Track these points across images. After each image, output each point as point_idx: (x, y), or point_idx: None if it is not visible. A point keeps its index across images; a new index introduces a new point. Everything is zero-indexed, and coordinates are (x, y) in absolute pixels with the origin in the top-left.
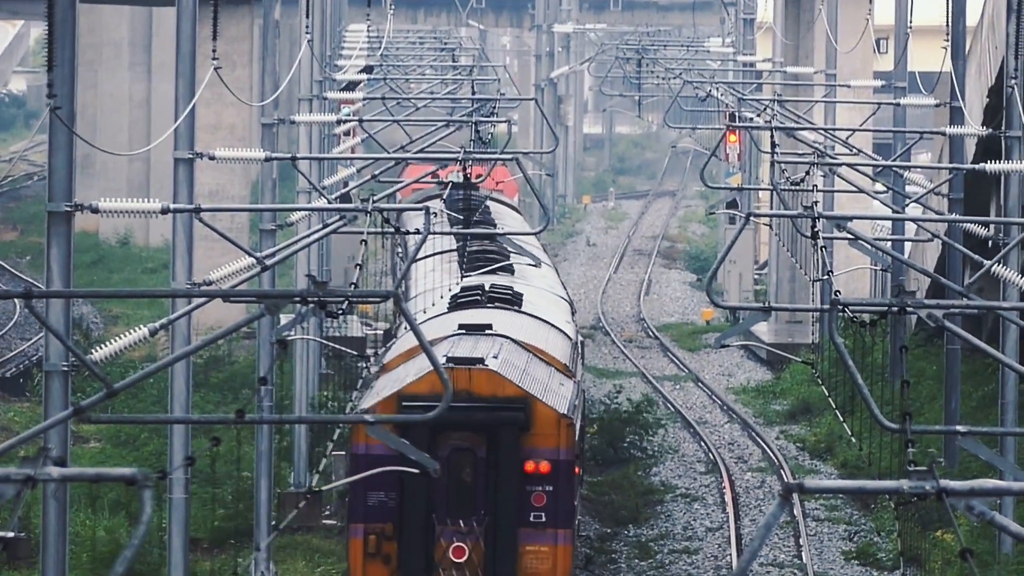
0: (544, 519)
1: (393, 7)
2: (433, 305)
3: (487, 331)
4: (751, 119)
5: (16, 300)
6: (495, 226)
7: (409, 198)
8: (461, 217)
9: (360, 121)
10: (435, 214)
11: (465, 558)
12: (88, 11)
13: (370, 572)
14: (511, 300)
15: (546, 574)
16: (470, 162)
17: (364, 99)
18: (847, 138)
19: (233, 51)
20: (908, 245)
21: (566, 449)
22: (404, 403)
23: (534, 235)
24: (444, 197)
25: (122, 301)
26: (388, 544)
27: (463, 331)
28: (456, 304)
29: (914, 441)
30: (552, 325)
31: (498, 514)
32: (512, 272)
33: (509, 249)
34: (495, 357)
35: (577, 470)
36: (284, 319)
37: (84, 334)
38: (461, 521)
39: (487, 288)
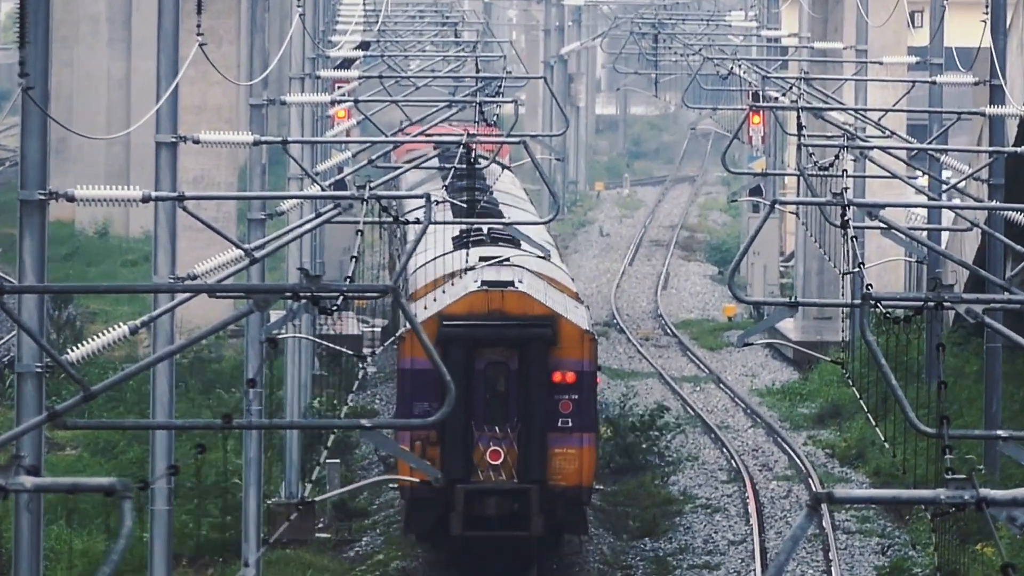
0: (571, 424)
1: None
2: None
3: (506, 261)
4: (776, 99)
5: None
6: (498, 208)
7: (403, 159)
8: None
9: (355, 102)
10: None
11: (500, 460)
12: None
13: (416, 474)
14: (512, 240)
15: (573, 474)
16: (474, 145)
17: (360, 78)
18: (879, 119)
19: (219, 26)
20: (945, 235)
21: (589, 361)
22: (444, 323)
23: (543, 224)
24: (446, 183)
25: (100, 297)
26: (432, 449)
27: (484, 262)
28: (463, 243)
29: (952, 447)
30: (554, 264)
31: (529, 420)
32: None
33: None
34: (520, 282)
35: (598, 380)
36: (274, 316)
37: (74, 332)
38: (496, 427)
39: (487, 231)
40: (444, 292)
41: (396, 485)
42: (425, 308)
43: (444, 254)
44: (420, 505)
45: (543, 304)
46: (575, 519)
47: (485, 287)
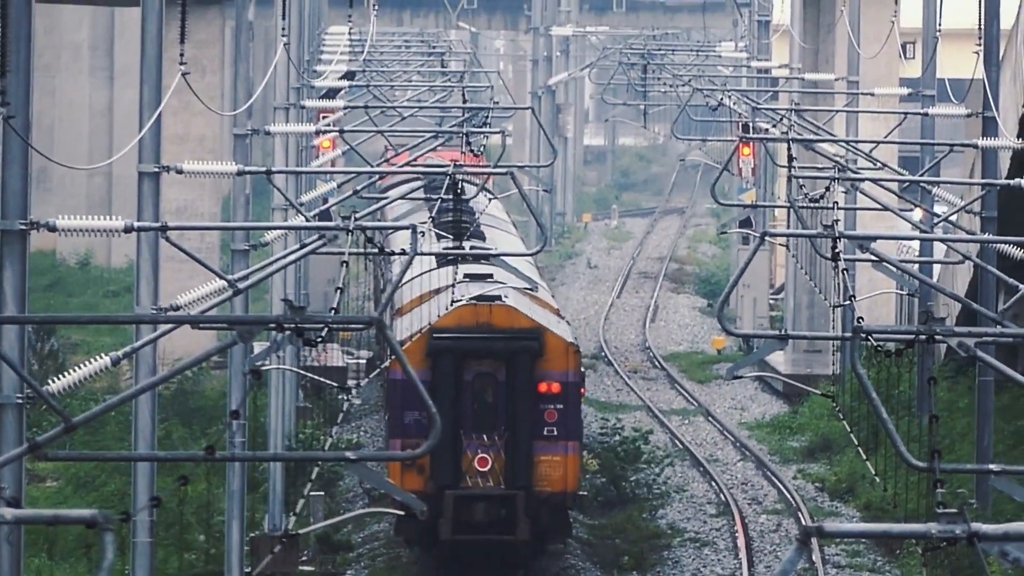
0: (556, 432)
1: (377, 8)
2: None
3: (489, 278)
4: (766, 130)
5: None
6: (484, 238)
7: (388, 184)
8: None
9: (341, 132)
10: (422, 232)
11: (488, 467)
12: (45, 11)
13: (406, 481)
14: (482, 236)
15: (558, 481)
16: (460, 177)
17: (345, 108)
18: (871, 151)
19: (203, 56)
20: (937, 268)
21: (574, 372)
22: (435, 335)
23: (530, 256)
24: (432, 214)
25: (82, 328)
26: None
27: (468, 278)
28: (445, 261)
29: (943, 481)
30: (534, 280)
31: (516, 429)
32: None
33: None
34: (507, 296)
35: (583, 391)
36: (258, 347)
37: (56, 363)
38: (484, 435)
39: (469, 248)
40: (427, 307)
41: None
42: (411, 324)
43: (431, 270)
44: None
45: (529, 318)
46: (560, 524)
47: (474, 301)
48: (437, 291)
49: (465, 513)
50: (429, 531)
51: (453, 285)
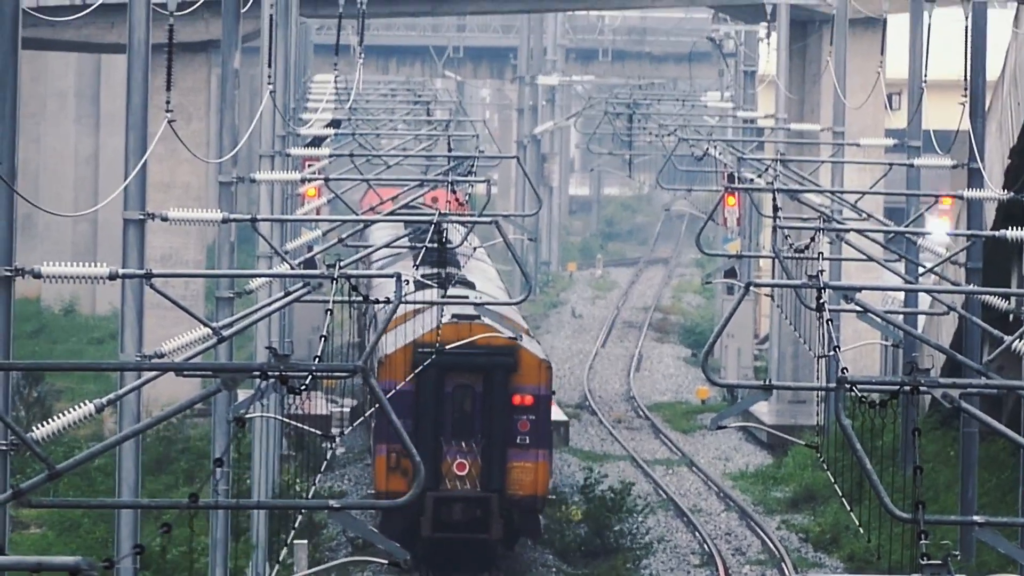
0: (528, 441)
1: (363, 56)
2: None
3: (468, 299)
4: (751, 180)
5: None
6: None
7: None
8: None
9: (326, 180)
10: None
11: (466, 472)
12: (31, 58)
13: (391, 482)
14: (468, 284)
15: (529, 485)
16: (444, 225)
17: (330, 156)
18: (856, 201)
19: (188, 103)
20: (922, 318)
21: (545, 386)
22: (418, 349)
23: (514, 305)
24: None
25: (66, 374)
26: (405, 460)
27: (449, 299)
28: (423, 285)
29: (928, 532)
30: (518, 331)
31: (492, 437)
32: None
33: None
34: (483, 317)
35: (552, 403)
36: (242, 395)
37: (44, 409)
38: (463, 442)
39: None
40: (410, 326)
41: (372, 488)
42: (396, 340)
43: (414, 291)
44: (393, 510)
45: (505, 336)
46: (530, 524)
47: (455, 319)
48: (420, 311)
49: (444, 513)
50: (411, 529)
51: (432, 304)
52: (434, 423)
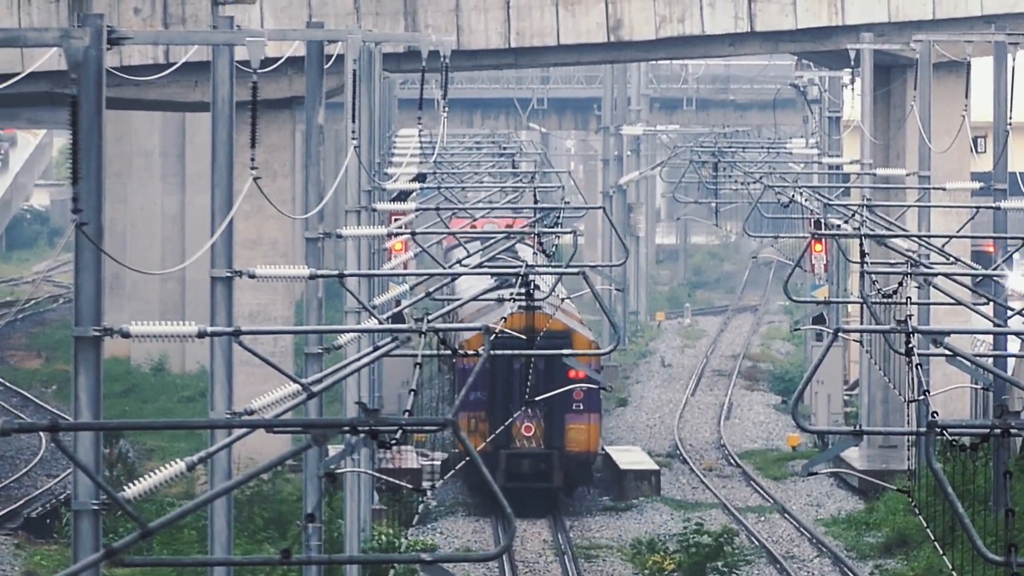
0: (582, 407)
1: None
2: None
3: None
4: (838, 226)
5: (41, 434)
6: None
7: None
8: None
9: (412, 234)
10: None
11: (532, 433)
12: (116, 118)
13: (472, 442)
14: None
15: (584, 443)
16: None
17: (417, 210)
18: (943, 245)
19: (273, 160)
20: (1012, 361)
21: (596, 363)
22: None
23: (604, 355)
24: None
25: (157, 433)
26: (482, 424)
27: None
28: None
29: (1021, 575)
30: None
31: (552, 404)
32: None
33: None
34: (543, 307)
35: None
36: (333, 450)
37: (127, 467)
38: (528, 409)
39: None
40: (484, 318)
41: (457, 449)
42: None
43: (489, 290)
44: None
45: (561, 321)
46: (585, 475)
47: (521, 309)
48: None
49: (515, 466)
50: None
51: (502, 300)
52: (506, 394)
